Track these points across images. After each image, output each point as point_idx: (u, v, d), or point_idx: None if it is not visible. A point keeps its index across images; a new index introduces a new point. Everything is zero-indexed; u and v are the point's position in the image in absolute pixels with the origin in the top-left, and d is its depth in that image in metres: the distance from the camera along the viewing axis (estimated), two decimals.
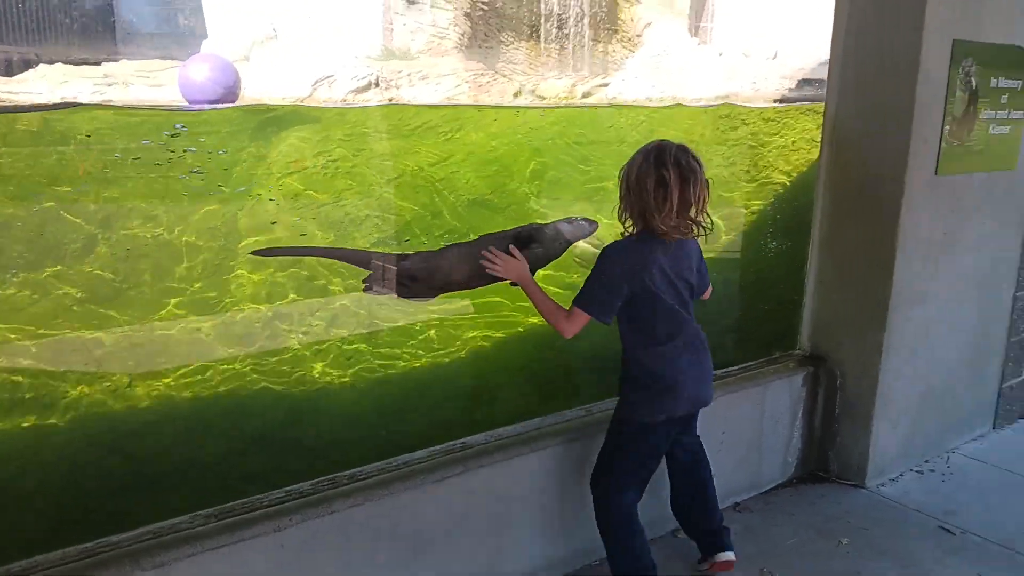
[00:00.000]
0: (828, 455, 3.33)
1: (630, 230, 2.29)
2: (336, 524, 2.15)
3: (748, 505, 3.12)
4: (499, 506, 2.48)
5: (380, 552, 2.25)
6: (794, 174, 4.31)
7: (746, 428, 3.12)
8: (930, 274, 3.24)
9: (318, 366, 3.58)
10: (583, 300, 2.27)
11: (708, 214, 2.24)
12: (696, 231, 2.24)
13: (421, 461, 2.40)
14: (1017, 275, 3.69)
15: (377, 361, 3.66)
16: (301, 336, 3.64)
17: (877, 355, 3.16)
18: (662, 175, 2.14)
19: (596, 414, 2.75)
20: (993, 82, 3.29)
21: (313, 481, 2.25)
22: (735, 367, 3.23)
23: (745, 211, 4.35)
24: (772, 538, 2.88)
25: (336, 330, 3.70)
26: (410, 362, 3.73)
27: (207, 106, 4.51)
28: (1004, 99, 3.36)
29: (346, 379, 3.57)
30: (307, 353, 3.59)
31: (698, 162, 2.20)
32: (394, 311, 3.97)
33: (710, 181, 2.23)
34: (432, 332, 3.93)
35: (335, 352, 3.64)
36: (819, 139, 3.36)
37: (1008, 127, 3.43)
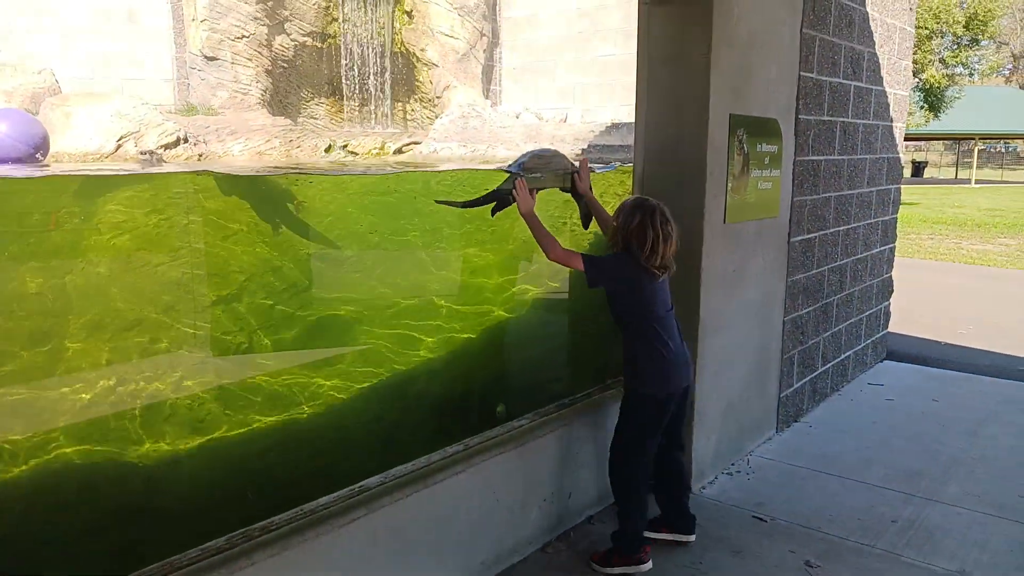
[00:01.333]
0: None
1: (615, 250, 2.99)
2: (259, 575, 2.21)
3: (601, 517, 3.52)
4: (398, 541, 2.65)
5: None
6: None
7: (593, 447, 3.52)
8: (726, 305, 3.89)
9: (168, 431, 3.48)
10: (586, 256, 2.95)
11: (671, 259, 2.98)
12: (663, 273, 2.99)
13: (326, 507, 2.51)
14: (784, 302, 4.49)
15: (231, 421, 3.62)
16: (144, 403, 3.52)
17: (693, 377, 3.72)
18: (653, 233, 2.86)
19: (473, 446, 3.01)
20: (759, 147, 4.04)
21: (227, 536, 2.29)
22: (579, 394, 3.64)
23: None
24: None
25: (183, 393, 3.62)
26: (263, 419, 3.72)
27: (9, 167, 4.23)
28: (767, 160, 4.14)
29: (199, 442, 3.50)
30: (156, 419, 3.48)
31: (672, 224, 2.94)
32: (239, 369, 3.94)
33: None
34: (278, 387, 3.96)
35: (184, 415, 3.55)
36: (620, 193, 3.93)
37: (770, 183, 4.21)
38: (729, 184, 3.81)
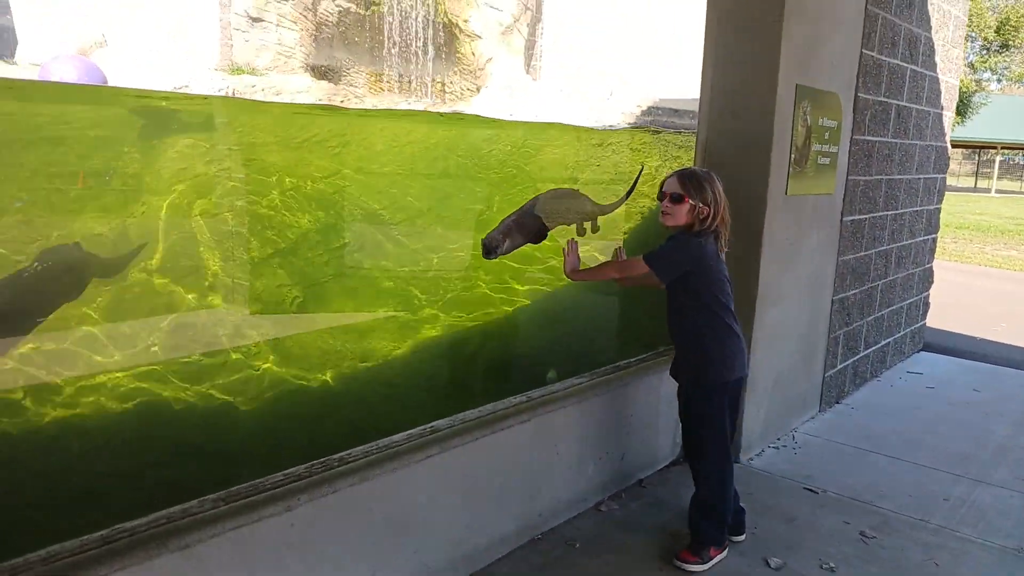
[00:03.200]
0: None
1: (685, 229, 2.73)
2: (338, 502, 2.22)
3: (651, 481, 3.52)
4: (466, 482, 2.65)
5: (375, 524, 2.34)
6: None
7: (647, 411, 3.52)
8: (781, 279, 3.86)
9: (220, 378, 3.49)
10: (646, 255, 2.70)
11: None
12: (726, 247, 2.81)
13: (400, 443, 2.51)
14: (833, 282, 4.46)
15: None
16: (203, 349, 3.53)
17: (747, 348, 3.71)
18: (720, 203, 2.71)
19: (536, 399, 3.01)
20: (820, 121, 4.01)
21: (306, 464, 2.30)
22: (634, 359, 3.63)
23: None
24: (679, 507, 3.27)
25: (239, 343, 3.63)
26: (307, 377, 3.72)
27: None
28: (827, 135, 4.11)
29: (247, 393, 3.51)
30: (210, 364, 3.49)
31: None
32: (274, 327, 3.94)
33: None
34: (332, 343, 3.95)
35: (237, 365, 3.56)
36: (678, 159, 3.91)
37: (829, 158, 4.18)
38: (792, 156, 3.79)
